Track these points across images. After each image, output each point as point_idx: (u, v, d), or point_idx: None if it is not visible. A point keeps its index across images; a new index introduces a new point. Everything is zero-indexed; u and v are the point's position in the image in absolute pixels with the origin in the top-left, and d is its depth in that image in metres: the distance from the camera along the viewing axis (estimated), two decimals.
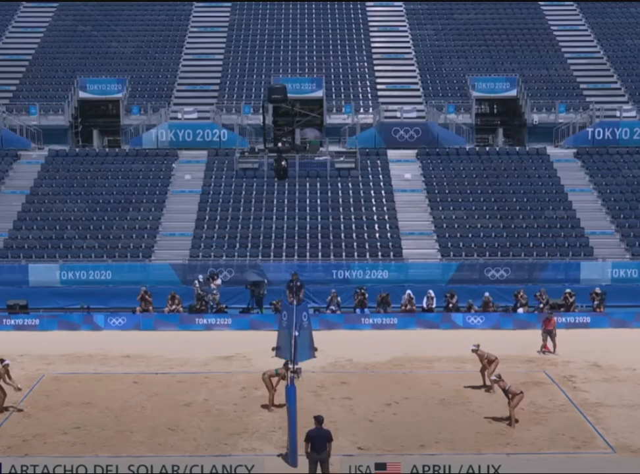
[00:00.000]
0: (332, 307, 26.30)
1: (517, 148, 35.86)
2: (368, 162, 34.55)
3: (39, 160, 34.42)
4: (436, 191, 32.81)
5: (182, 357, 21.52)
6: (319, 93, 37.82)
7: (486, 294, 26.25)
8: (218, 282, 26.99)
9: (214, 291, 26.63)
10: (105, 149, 36.18)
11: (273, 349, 19.12)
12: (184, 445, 15.08)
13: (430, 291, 26.41)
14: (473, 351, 18.40)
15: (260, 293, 26.53)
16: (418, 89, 38.64)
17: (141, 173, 33.81)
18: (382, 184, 33.33)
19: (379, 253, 29.40)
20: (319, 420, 13.53)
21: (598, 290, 26.38)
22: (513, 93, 37.42)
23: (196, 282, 26.75)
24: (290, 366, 16.01)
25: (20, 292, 27.04)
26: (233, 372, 20.00)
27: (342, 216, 31.45)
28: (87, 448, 14.91)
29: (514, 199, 32.17)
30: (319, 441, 13.31)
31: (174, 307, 26.10)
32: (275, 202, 32.36)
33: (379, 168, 34.29)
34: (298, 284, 26.25)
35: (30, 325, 24.99)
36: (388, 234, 30.55)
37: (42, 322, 25.11)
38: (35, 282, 27.71)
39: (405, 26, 43.08)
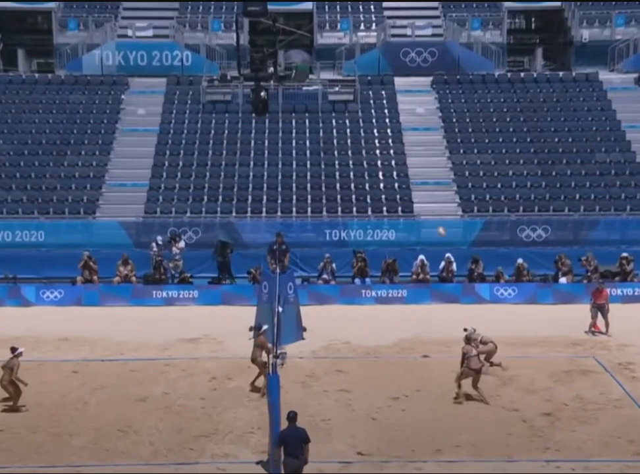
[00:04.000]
0: (325, 276, 26.20)
1: (561, 74, 35.67)
2: (370, 93, 34.34)
3: None
4: (457, 130, 32.68)
5: (135, 340, 21.45)
6: (308, 5, 37.27)
7: (520, 260, 26.17)
8: (182, 245, 26.86)
9: (177, 257, 26.53)
10: (34, 75, 35.79)
11: (251, 329, 19.21)
12: (137, 451, 15.01)
13: (449, 255, 26.31)
14: (467, 337, 17.87)
15: (224, 257, 26.21)
16: None
17: (82, 106, 33.45)
18: (387, 120, 33.17)
19: (384, 208, 29.34)
20: (290, 417, 13.42)
21: None
22: (557, 2, 36.93)
23: (153, 245, 26.58)
24: (273, 350, 15.90)
25: None
26: (200, 359, 19.95)
27: (337, 162, 31.33)
28: (14, 456, 14.82)
29: (556, 139, 32.00)
30: (294, 443, 13.24)
31: (125, 273, 25.91)
32: (253, 144, 32.16)
33: (384, 101, 34.10)
34: (283, 247, 26.12)
35: None
36: (396, 184, 30.46)
37: None
38: None
39: None
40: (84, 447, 15.09)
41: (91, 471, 14.07)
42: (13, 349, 16.77)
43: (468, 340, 17.71)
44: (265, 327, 17.92)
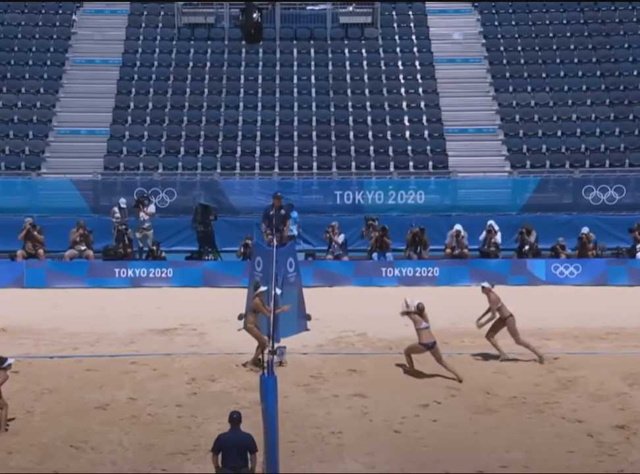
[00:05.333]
0: (335, 250, 26.14)
1: None
2: (393, 14, 34.27)
3: None
4: (504, 61, 32.68)
5: (92, 331, 21.47)
6: None
7: (585, 230, 26.16)
8: (152, 209, 26.90)
9: (145, 225, 26.60)
10: None
11: (240, 317, 19.24)
12: (96, 472, 14.93)
13: (492, 223, 26.33)
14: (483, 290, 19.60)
15: (206, 225, 26.17)
16: None
17: (21, 29, 33.37)
18: (415, 50, 33.13)
19: (410, 163, 29.44)
20: (231, 418, 13.46)
21: None
22: None
23: (115, 210, 26.71)
24: (268, 344, 15.98)
25: None
26: (175, 355, 19.96)
27: (350, 104, 31.25)
28: None
29: (635, 72, 31.91)
30: (235, 451, 13.25)
31: (81, 248, 25.94)
32: (243, 80, 32.19)
33: (411, 25, 34.09)
34: (282, 212, 26.03)
35: None
36: (425, 132, 30.49)
37: None
38: None
39: None
40: (26, 469, 15.01)
41: None
42: (1, 360, 16.52)
43: (420, 310, 18.56)
44: (262, 288, 18.02)
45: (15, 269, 25.41)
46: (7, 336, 21.16)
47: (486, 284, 19.83)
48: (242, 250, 25.79)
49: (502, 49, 32.93)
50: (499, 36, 33.36)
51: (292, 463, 14.80)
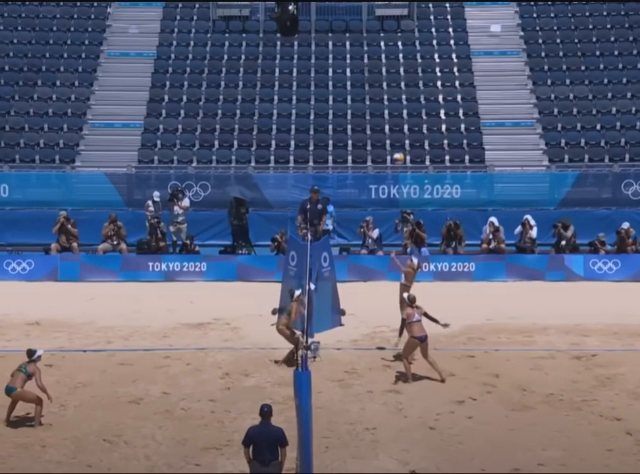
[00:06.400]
0: (369, 245, 26.11)
1: None
2: (430, 6, 34.21)
3: None
4: (543, 53, 32.53)
5: (126, 325, 21.61)
6: None
7: (625, 225, 26.07)
8: (186, 203, 26.97)
9: (179, 219, 26.67)
10: None
11: (274, 312, 19.27)
12: (129, 467, 15.01)
13: (529, 218, 26.29)
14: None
15: (241, 219, 26.22)
16: None
17: (56, 22, 33.63)
18: (452, 42, 33.09)
19: (446, 157, 29.37)
20: (263, 411, 13.46)
21: None
22: None
23: (149, 203, 26.81)
24: (302, 338, 15.98)
25: None
26: (209, 349, 20.06)
27: (386, 97, 31.19)
28: None
29: None
30: (265, 445, 13.25)
31: (113, 242, 26.11)
32: (277, 73, 32.22)
33: (448, 17, 34.03)
34: (318, 207, 26.04)
35: None
36: (462, 126, 30.44)
37: None
38: None
39: None
40: (60, 463, 15.10)
41: None
42: (30, 353, 16.67)
43: (412, 302, 18.27)
44: (298, 292, 18.01)
45: (49, 262, 25.60)
46: (41, 329, 21.38)
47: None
48: (274, 244, 25.84)
49: (540, 41, 32.76)
50: (537, 28, 33.18)
51: (326, 459, 14.82)
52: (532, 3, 33.95)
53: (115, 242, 26.15)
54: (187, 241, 26.52)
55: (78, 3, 34.14)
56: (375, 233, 26.29)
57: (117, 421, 16.49)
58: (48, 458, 15.23)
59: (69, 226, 26.04)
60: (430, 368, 18.29)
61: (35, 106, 30.71)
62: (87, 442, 15.76)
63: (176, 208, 26.69)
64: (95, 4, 34.14)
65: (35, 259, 25.55)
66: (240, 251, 26.45)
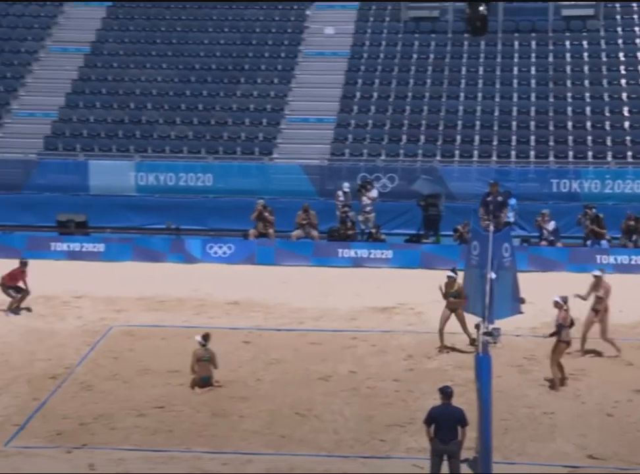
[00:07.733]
0: (549, 236, 25.92)
1: None
2: (617, 6, 33.43)
3: (104, 2, 35.43)
4: None
5: (316, 307, 21.99)
6: None
7: None
8: (374, 194, 27.24)
9: (367, 209, 26.95)
10: None
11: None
12: (318, 439, 15.35)
13: None
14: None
15: (436, 212, 26.47)
16: None
17: (259, 24, 34.35)
18: (638, 41, 32.35)
19: (629, 153, 28.72)
20: (445, 392, 13.57)
21: None
22: None
23: (340, 193, 27.14)
24: (482, 325, 16.03)
25: (76, 203, 28.27)
26: (394, 332, 20.28)
27: (570, 94, 30.79)
28: (175, 438, 15.34)
29: None
30: (446, 424, 13.32)
31: (306, 230, 26.63)
32: (464, 71, 32.08)
33: (635, 17, 33.25)
34: (499, 199, 25.99)
35: (91, 252, 26.14)
36: None
37: (109, 249, 26.16)
38: (98, 187, 28.88)
39: None
40: (256, 432, 15.51)
41: (263, 461, 14.48)
42: (206, 337, 17.19)
43: (562, 304, 17.58)
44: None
45: (247, 247, 26.16)
46: (239, 308, 21.99)
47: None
48: (456, 234, 25.90)
49: None
50: None
51: (505, 440, 14.86)
52: None
53: (307, 230, 26.71)
54: (374, 230, 26.82)
55: (280, 6, 34.73)
56: (551, 225, 25.98)
57: (308, 396, 16.85)
58: (245, 427, 15.71)
59: (266, 214, 26.58)
60: (606, 358, 18.09)
61: (238, 102, 31.36)
62: (280, 414, 16.17)
63: (364, 198, 27.01)
64: (295, 6, 34.70)
65: (234, 244, 26.10)
66: (425, 240, 26.62)
